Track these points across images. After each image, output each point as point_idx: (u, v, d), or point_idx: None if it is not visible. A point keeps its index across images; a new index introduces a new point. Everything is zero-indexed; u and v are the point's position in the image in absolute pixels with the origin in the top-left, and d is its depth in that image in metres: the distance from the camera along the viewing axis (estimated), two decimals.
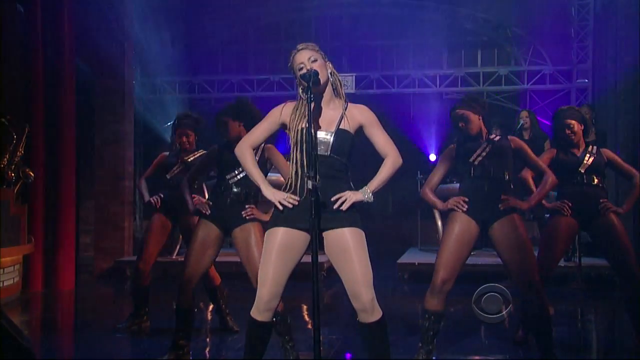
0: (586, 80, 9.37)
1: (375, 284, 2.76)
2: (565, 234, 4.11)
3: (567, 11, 9.50)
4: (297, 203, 2.76)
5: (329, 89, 2.89)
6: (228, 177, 3.88)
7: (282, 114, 2.90)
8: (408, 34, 10.10)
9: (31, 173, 6.60)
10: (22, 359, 2.12)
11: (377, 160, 2.96)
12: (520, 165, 4.02)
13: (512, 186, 3.72)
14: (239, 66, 10.31)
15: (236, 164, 3.82)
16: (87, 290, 7.42)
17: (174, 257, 7.77)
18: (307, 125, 2.70)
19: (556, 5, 9.53)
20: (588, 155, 4.14)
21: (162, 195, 4.85)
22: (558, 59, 9.56)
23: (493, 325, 4.36)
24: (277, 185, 2.93)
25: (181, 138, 4.83)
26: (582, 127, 4.18)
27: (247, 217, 3.81)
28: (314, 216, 2.62)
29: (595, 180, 4.13)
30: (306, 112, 2.72)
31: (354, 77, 9.77)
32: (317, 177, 2.67)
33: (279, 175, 3.87)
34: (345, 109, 2.89)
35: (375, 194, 2.84)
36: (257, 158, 3.26)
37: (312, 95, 2.72)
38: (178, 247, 7.84)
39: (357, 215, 2.81)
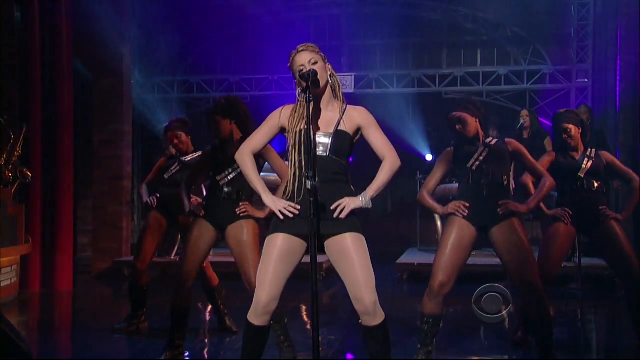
0: (586, 80, 9.35)
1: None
2: (565, 241, 4.12)
3: (567, 11, 9.49)
4: (297, 212, 2.76)
5: (328, 91, 2.89)
6: (219, 178, 3.90)
7: (281, 116, 2.90)
8: (407, 33, 10.09)
9: (29, 173, 6.59)
10: None
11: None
12: (520, 168, 4.00)
13: (511, 191, 3.69)
14: (237, 66, 10.29)
15: (227, 164, 3.85)
16: (85, 291, 7.41)
17: (172, 257, 7.76)
18: (305, 127, 2.70)
19: (556, 4, 9.52)
20: (587, 159, 4.14)
21: (158, 195, 4.92)
22: (558, 58, 9.54)
23: (493, 326, 4.35)
24: (273, 188, 2.91)
25: (172, 140, 4.91)
26: (580, 130, 4.17)
27: (240, 214, 3.82)
28: (312, 216, 2.63)
29: (595, 185, 4.12)
30: (305, 114, 2.72)
31: (353, 76, 9.76)
32: (316, 177, 2.67)
33: (276, 175, 3.86)
34: (344, 111, 2.89)
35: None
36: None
37: (311, 95, 2.71)
38: (177, 247, 7.82)
39: (357, 220, 2.82)
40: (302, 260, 2.85)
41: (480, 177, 3.65)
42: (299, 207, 2.76)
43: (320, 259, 2.73)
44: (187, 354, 4.11)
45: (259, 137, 2.95)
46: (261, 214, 3.82)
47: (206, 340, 4.80)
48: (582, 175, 4.11)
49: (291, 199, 2.81)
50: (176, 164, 4.95)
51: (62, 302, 6.77)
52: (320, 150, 2.80)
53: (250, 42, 10.32)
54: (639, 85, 7.46)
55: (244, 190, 3.85)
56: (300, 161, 2.77)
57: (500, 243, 3.60)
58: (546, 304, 3.59)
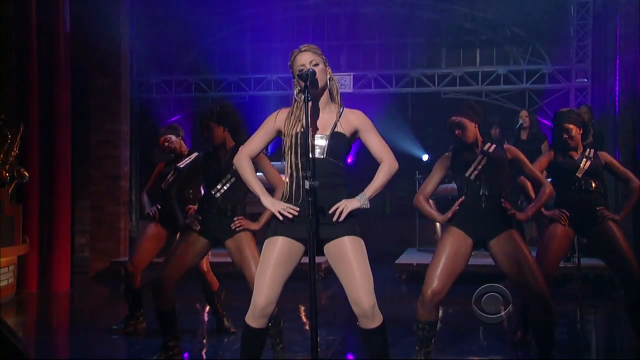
0: (585, 80, 9.33)
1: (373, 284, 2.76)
2: (563, 242, 4.10)
3: (566, 10, 9.47)
4: (296, 214, 2.75)
5: (325, 94, 2.89)
6: (213, 191, 3.89)
7: (276, 120, 2.91)
8: (406, 33, 10.07)
9: (26, 173, 6.56)
10: None
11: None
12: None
13: (509, 201, 3.64)
14: (236, 65, 10.26)
15: (220, 174, 3.85)
16: (82, 291, 7.39)
17: None
18: (302, 129, 2.71)
19: (555, 4, 9.50)
20: (585, 159, 4.12)
21: (159, 207, 4.92)
22: (557, 58, 9.52)
23: (492, 326, 4.34)
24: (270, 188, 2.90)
25: (163, 144, 4.98)
26: (581, 130, 4.16)
27: (236, 229, 3.81)
28: (310, 216, 2.62)
29: (593, 185, 4.11)
30: (301, 116, 2.73)
31: (351, 76, 9.72)
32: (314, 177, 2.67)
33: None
34: (341, 113, 2.89)
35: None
36: None
37: (309, 95, 2.70)
38: None
39: (355, 223, 2.82)
40: (301, 261, 2.85)
41: (478, 190, 3.60)
42: (298, 209, 2.76)
43: (318, 259, 2.72)
44: (185, 354, 4.10)
45: (256, 141, 2.96)
46: (256, 226, 3.83)
47: (204, 341, 4.79)
48: (580, 176, 4.09)
49: (289, 202, 2.80)
50: (172, 172, 4.96)
51: (59, 303, 6.75)
52: (317, 152, 2.80)
53: (249, 41, 10.30)
54: (638, 85, 7.45)
55: (237, 205, 3.86)
56: (297, 163, 2.77)
57: (499, 256, 3.55)
58: (552, 310, 3.54)
